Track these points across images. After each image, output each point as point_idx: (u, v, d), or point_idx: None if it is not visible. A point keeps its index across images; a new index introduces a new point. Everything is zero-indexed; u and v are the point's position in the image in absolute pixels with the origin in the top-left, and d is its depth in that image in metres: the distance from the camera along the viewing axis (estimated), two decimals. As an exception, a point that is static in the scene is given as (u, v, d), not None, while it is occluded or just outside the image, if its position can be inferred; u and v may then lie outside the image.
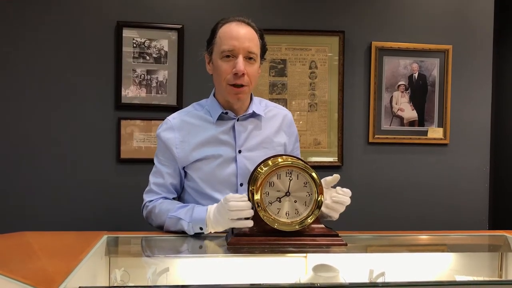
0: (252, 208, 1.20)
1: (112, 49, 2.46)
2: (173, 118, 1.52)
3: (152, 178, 1.52)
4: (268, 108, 1.57)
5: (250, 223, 1.19)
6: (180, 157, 1.46)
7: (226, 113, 1.47)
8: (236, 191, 1.45)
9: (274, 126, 1.55)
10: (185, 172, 1.50)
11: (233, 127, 1.48)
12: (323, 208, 1.23)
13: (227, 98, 1.44)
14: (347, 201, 1.27)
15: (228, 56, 1.39)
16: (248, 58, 1.40)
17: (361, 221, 2.55)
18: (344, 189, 1.29)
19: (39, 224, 2.37)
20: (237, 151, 1.46)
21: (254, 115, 1.51)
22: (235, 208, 1.19)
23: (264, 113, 1.53)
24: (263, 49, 1.48)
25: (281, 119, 1.58)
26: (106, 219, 2.45)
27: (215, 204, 1.30)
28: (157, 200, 1.49)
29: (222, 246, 1.23)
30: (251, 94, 1.53)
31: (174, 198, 1.54)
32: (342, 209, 1.27)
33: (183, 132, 1.48)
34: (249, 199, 1.23)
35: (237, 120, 1.48)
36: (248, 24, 1.43)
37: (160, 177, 1.50)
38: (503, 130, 3.26)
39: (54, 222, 2.40)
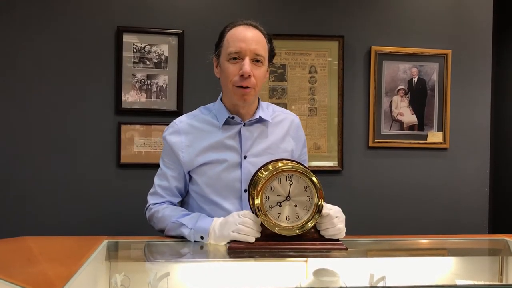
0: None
1: (112, 54, 2.47)
2: (180, 121, 1.51)
3: (157, 180, 1.52)
4: (275, 113, 1.56)
5: (251, 240, 1.21)
6: (186, 161, 1.46)
7: (233, 117, 1.46)
8: (240, 197, 1.45)
9: (281, 132, 1.54)
10: (190, 176, 1.50)
11: (239, 132, 1.47)
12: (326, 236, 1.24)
13: (233, 100, 1.43)
14: (339, 221, 1.25)
15: (235, 58, 1.38)
16: (255, 60, 1.39)
17: (361, 225, 2.55)
18: (332, 210, 1.25)
19: (39, 229, 2.37)
20: (242, 156, 1.45)
21: (260, 120, 1.49)
22: (250, 226, 1.21)
23: (271, 118, 1.52)
24: (271, 53, 1.47)
25: (288, 124, 1.56)
26: (106, 223, 2.45)
27: (222, 218, 1.30)
28: (161, 204, 1.49)
29: (222, 250, 1.23)
30: (259, 99, 1.52)
31: (178, 201, 1.54)
32: (338, 231, 1.25)
33: (190, 136, 1.47)
34: (252, 211, 1.24)
35: (244, 125, 1.47)
36: (256, 27, 1.43)
37: (165, 180, 1.50)
38: (503, 134, 3.26)
39: (54, 227, 2.40)
